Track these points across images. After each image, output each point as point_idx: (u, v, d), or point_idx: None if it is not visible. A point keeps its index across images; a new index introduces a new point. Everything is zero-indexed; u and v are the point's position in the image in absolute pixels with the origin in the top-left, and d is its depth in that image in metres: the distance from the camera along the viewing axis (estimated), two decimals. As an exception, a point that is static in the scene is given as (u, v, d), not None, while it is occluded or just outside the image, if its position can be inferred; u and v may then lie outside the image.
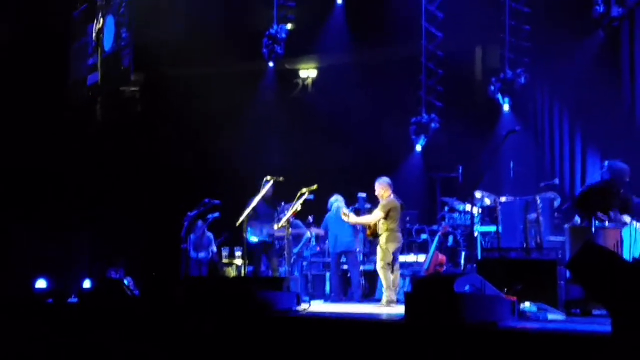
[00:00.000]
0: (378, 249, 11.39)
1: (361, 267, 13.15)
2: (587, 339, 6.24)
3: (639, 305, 5.20)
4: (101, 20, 18.88)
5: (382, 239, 11.28)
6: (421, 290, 8.10)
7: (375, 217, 11.41)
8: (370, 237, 11.70)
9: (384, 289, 11.20)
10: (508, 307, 7.57)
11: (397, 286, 11.27)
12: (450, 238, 13.11)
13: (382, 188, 11.55)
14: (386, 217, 11.27)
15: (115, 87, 18.67)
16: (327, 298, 13.16)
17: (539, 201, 10.98)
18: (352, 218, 11.72)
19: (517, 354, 6.39)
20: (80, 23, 19.64)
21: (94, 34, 19.02)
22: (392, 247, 11.22)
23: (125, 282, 11.97)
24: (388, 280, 11.11)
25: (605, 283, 5.36)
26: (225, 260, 13.37)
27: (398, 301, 10.91)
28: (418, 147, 16.21)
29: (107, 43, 18.65)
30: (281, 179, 11.76)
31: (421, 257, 13.24)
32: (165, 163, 17.09)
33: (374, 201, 12.28)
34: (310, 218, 13.49)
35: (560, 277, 8.80)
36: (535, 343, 6.47)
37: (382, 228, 11.32)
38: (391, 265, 11.16)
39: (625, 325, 5.32)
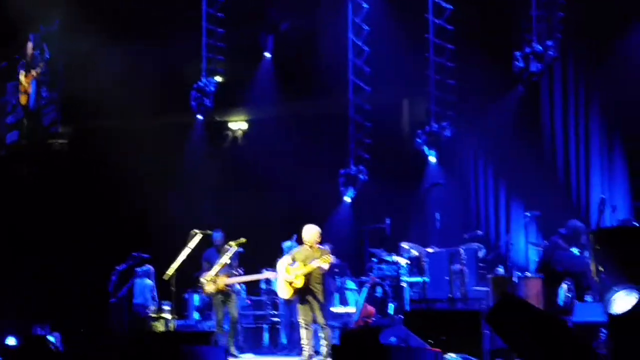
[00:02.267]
0: (314, 302, 10.86)
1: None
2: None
3: (552, 355, 5.36)
4: (21, 78, 18.75)
5: (320, 292, 10.90)
6: (348, 342, 8.16)
7: (327, 258, 10.81)
8: (295, 294, 11.08)
9: (326, 344, 10.78)
10: (432, 358, 7.68)
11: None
12: (379, 289, 13.17)
13: (319, 235, 11.15)
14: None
15: (34, 146, 18.46)
16: (271, 351, 13.07)
17: (462, 252, 11.21)
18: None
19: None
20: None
21: (20, 92, 18.85)
22: (323, 296, 10.98)
23: (51, 338, 11.78)
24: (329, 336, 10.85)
25: (521, 335, 5.51)
26: (153, 315, 13.23)
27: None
28: (347, 199, 16.36)
29: (28, 101, 18.50)
30: (209, 232, 11.76)
31: (350, 309, 13.28)
32: (94, 216, 16.91)
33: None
34: (241, 271, 13.49)
35: (484, 327, 8.96)
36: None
37: (317, 279, 10.92)
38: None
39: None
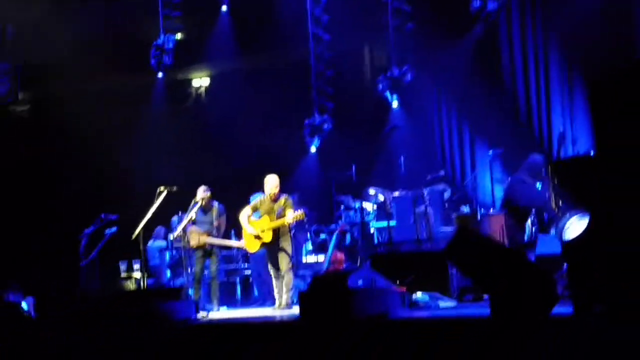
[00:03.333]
0: (281, 251, 10.90)
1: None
2: (471, 323, 6.49)
3: (511, 286, 5.44)
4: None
5: (285, 241, 10.92)
6: (315, 288, 8.24)
7: (292, 216, 10.75)
8: (263, 247, 11.14)
9: (287, 292, 10.84)
10: (398, 298, 7.79)
11: (290, 287, 11.00)
12: (348, 236, 13.28)
13: (277, 185, 11.13)
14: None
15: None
16: (243, 304, 13.12)
17: (425, 194, 11.28)
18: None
19: (408, 342, 6.59)
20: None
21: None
22: (291, 246, 11.02)
23: (24, 304, 11.77)
24: (290, 283, 10.87)
25: (479, 266, 5.59)
26: (123, 275, 13.26)
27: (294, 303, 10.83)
28: (312, 149, 16.39)
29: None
30: (175, 188, 11.69)
31: (321, 257, 13.37)
32: (58, 181, 16.82)
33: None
34: (232, 234, 13.42)
35: (451, 267, 9.07)
36: (424, 330, 6.68)
37: (284, 230, 10.93)
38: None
39: (500, 305, 5.55)
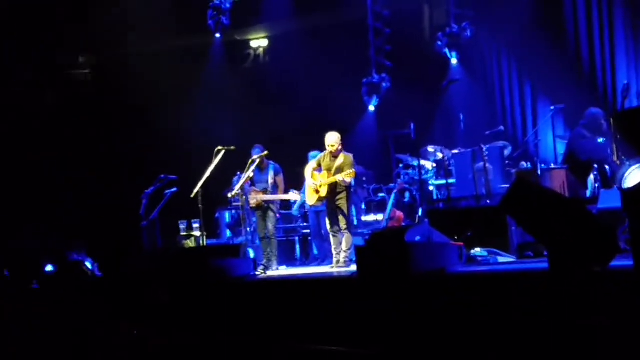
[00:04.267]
0: (337, 209, 10.86)
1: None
2: (530, 276, 6.39)
3: (571, 237, 5.32)
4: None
5: (342, 199, 10.86)
6: (373, 243, 8.18)
7: (351, 173, 10.69)
8: (319, 201, 11.16)
9: (345, 251, 10.85)
10: (455, 252, 7.71)
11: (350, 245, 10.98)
12: (407, 194, 13.21)
13: (339, 141, 11.03)
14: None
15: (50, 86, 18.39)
16: (303, 262, 13.18)
17: (484, 149, 11.10)
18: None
19: (466, 297, 6.53)
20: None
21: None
22: (348, 205, 10.93)
23: (87, 263, 12.00)
24: (349, 242, 10.85)
25: (537, 217, 5.46)
26: (183, 233, 13.36)
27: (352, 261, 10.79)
28: (371, 108, 16.29)
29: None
30: (233, 148, 11.75)
31: (380, 216, 13.33)
32: (119, 143, 17.03)
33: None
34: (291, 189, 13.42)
35: (511, 223, 8.92)
36: (482, 284, 6.61)
37: (341, 188, 10.85)
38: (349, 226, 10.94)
39: (559, 257, 5.44)
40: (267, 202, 11.64)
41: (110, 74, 17.84)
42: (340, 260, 10.80)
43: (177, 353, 8.20)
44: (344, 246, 10.86)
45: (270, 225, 11.67)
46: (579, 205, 5.78)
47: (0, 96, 16.90)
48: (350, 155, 11.09)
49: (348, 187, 10.93)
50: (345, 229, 10.83)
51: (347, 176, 10.65)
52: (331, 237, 11.06)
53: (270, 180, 11.71)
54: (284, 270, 11.58)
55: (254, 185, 11.82)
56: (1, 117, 16.68)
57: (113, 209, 15.51)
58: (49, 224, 15.54)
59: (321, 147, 11.36)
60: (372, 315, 6.95)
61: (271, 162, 11.90)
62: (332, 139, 11.02)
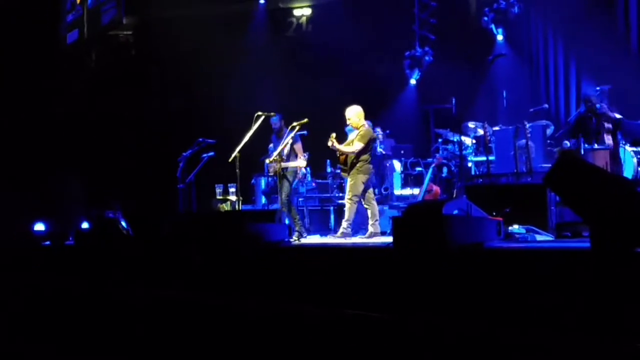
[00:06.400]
0: (350, 179, 10.92)
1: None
2: (570, 255, 6.28)
3: (616, 214, 5.20)
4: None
5: (353, 170, 10.87)
6: (410, 215, 8.08)
7: (356, 147, 10.81)
8: (345, 173, 11.11)
9: (344, 221, 10.93)
10: (494, 228, 7.59)
11: (376, 216, 11.01)
12: (445, 169, 13.10)
13: (357, 116, 11.03)
14: (366, 148, 10.88)
15: (93, 48, 18.41)
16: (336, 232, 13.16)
17: (527, 127, 10.94)
18: (336, 145, 10.97)
19: (502, 272, 6.44)
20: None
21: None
22: (364, 178, 10.86)
23: (123, 223, 12.04)
24: (350, 213, 10.84)
25: (582, 193, 5.35)
26: (219, 197, 13.37)
27: (381, 233, 10.82)
28: (412, 81, 16.17)
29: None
30: (272, 114, 11.72)
31: (416, 191, 13.25)
32: (159, 105, 17.07)
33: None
34: (306, 155, 13.43)
35: (550, 202, 8.79)
36: (520, 260, 6.51)
37: (351, 158, 10.88)
38: (359, 197, 10.88)
39: (602, 236, 5.32)
40: (283, 169, 11.54)
41: (153, 36, 17.84)
42: (369, 231, 10.85)
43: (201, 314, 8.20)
44: (370, 219, 10.92)
45: (284, 195, 11.56)
46: (626, 184, 5.64)
47: (45, 56, 17.01)
48: (367, 129, 11.00)
49: (357, 160, 10.86)
50: (349, 199, 10.83)
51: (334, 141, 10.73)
52: (347, 204, 11.00)
53: (287, 149, 11.60)
54: (318, 238, 11.55)
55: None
56: (48, 76, 16.79)
57: (151, 170, 15.58)
58: (88, 182, 15.66)
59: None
60: (407, 287, 6.88)
61: (287, 129, 11.81)
62: (348, 111, 11.10)
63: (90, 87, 17.23)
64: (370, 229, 10.85)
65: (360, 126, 11.00)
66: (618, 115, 11.11)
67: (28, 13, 17.32)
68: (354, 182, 10.85)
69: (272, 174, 11.71)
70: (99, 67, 18.03)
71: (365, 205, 11.02)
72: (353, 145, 10.88)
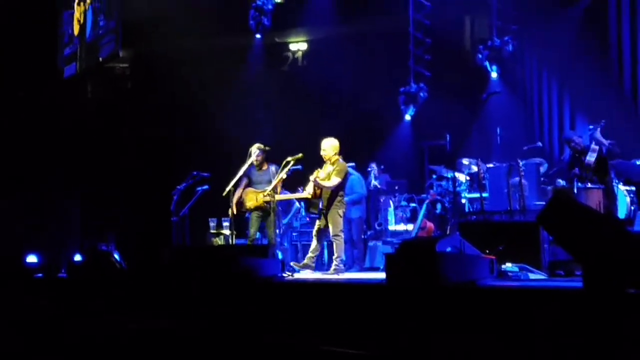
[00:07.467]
0: (329, 217, 10.80)
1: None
2: (563, 294, 6.28)
3: (608, 254, 5.22)
4: (75, 7, 18.58)
5: (331, 209, 10.77)
6: (403, 252, 8.09)
7: (334, 182, 10.73)
8: (311, 209, 11.04)
9: (334, 258, 10.89)
10: (487, 266, 7.60)
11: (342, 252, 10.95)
12: (439, 206, 13.11)
13: (333, 149, 10.93)
14: (342, 183, 10.85)
15: (93, 75, 18.46)
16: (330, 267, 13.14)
17: (521, 164, 10.98)
18: (318, 181, 10.83)
19: (495, 311, 6.43)
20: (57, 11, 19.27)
21: (74, 22, 18.71)
22: (341, 212, 10.84)
23: (116, 255, 12.02)
24: (339, 250, 10.81)
25: (574, 232, 5.37)
26: (213, 231, 13.36)
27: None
28: (407, 117, 16.22)
29: (87, 32, 18.34)
30: (267, 147, 11.72)
31: (410, 226, 13.25)
32: (154, 138, 17.10)
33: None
34: (300, 189, 13.45)
35: (543, 240, 8.81)
36: (513, 299, 6.51)
37: (328, 194, 10.79)
38: (343, 231, 10.89)
39: (594, 275, 5.33)
40: (269, 203, 11.26)
41: (149, 69, 17.92)
42: (331, 267, 10.89)
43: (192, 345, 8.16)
44: (335, 253, 10.88)
45: (271, 231, 11.31)
46: (618, 225, 5.67)
47: (41, 89, 17.06)
48: (343, 164, 10.96)
49: (335, 195, 10.81)
50: (334, 236, 10.80)
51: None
52: (335, 241, 10.97)
53: (274, 181, 11.27)
54: (310, 274, 11.52)
55: (250, 186, 11.71)
56: (43, 107, 16.83)
57: (144, 203, 15.56)
58: (81, 214, 15.65)
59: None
60: (399, 323, 6.87)
61: (270, 164, 11.77)
62: (324, 143, 11.03)
63: (85, 119, 17.25)
64: (333, 265, 10.86)
65: (335, 160, 10.94)
66: (609, 141, 11.12)
67: (25, 45, 17.38)
68: (333, 220, 10.80)
69: (250, 207, 11.58)
70: (95, 98, 18.07)
71: (333, 239, 10.92)
72: (330, 180, 10.81)
